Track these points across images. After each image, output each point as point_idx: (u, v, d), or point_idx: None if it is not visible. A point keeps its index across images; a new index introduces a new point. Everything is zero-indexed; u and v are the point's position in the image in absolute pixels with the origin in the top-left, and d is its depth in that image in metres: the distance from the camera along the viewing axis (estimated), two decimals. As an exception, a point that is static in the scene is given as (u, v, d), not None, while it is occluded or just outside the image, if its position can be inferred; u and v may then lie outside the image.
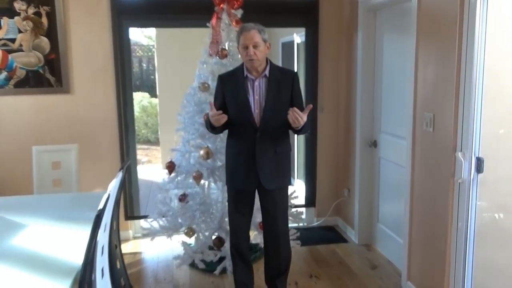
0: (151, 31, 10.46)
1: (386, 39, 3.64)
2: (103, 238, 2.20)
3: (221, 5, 3.43)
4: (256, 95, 2.77)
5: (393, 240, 3.59)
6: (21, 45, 3.75)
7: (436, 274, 2.83)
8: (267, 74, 2.78)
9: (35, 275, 1.93)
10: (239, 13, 3.48)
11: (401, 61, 3.37)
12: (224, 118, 2.66)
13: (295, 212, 3.78)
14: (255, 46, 2.67)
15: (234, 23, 3.44)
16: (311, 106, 2.65)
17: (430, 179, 2.87)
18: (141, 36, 12.95)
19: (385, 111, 3.70)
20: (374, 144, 3.84)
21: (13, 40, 3.74)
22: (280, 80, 2.79)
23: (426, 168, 2.92)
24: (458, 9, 2.48)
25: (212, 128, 2.79)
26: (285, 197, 2.96)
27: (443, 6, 2.64)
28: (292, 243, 3.51)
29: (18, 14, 3.70)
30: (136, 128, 4.38)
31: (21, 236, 2.36)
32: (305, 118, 2.61)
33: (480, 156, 2.47)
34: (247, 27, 2.71)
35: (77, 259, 2.00)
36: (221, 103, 2.82)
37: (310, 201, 4.50)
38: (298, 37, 5.39)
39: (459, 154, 2.53)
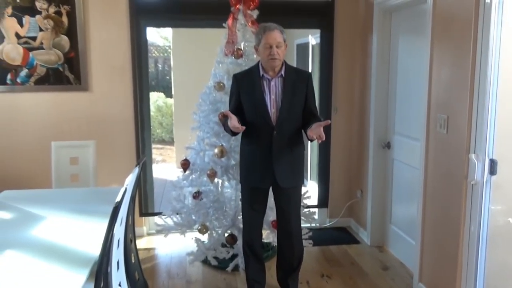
0: (168, 32, 10.56)
1: (401, 41, 3.65)
2: (119, 231, 2.25)
3: (237, 6, 3.48)
4: (272, 95, 2.80)
5: (406, 242, 3.59)
6: (41, 43, 3.85)
7: (448, 276, 2.83)
8: (283, 74, 2.81)
9: (54, 264, 1.99)
10: (255, 14, 3.52)
11: (415, 62, 3.37)
12: (243, 128, 2.69)
13: (307, 212, 3.81)
14: (278, 46, 2.71)
15: (250, 24, 3.49)
16: (328, 121, 2.65)
17: (443, 181, 2.87)
18: (157, 37, 13.09)
19: (399, 112, 3.70)
20: (388, 145, 3.84)
21: (34, 38, 3.83)
22: (296, 80, 2.83)
23: (439, 170, 2.92)
24: (473, 11, 2.49)
25: (232, 133, 2.82)
26: (298, 195, 3.00)
27: (458, 8, 2.65)
28: (304, 242, 3.53)
29: (40, 13, 3.80)
30: (151, 127, 4.45)
31: (40, 228, 2.43)
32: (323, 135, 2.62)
33: (493, 158, 2.47)
34: (271, 27, 2.74)
35: (94, 251, 2.05)
36: (236, 103, 2.86)
37: (323, 202, 4.51)
38: (313, 38, 5.41)
39: (473, 156, 2.53)
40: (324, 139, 2.62)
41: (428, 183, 3.05)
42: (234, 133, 2.82)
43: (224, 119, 2.86)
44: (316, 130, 2.62)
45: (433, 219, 3.01)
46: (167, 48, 12.06)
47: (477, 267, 2.60)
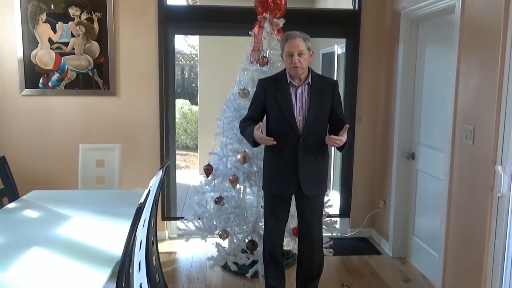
0: (194, 40, 10.72)
1: (428, 51, 3.62)
2: (141, 233, 2.30)
3: (264, 14, 3.52)
4: (299, 102, 2.81)
5: (428, 254, 3.53)
6: (73, 49, 3.97)
7: (472, 290, 2.77)
8: (310, 82, 2.82)
9: (77, 262, 2.04)
10: (281, 22, 3.55)
11: (442, 72, 3.34)
12: (274, 142, 2.70)
13: (329, 221, 3.79)
14: (300, 54, 2.72)
15: (275, 32, 3.52)
16: (347, 125, 2.67)
17: (468, 193, 2.82)
18: (184, 45, 13.31)
19: (424, 123, 3.66)
20: (412, 156, 3.80)
21: (66, 44, 3.96)
22: (322, 88, 2.83)
23: (464, 181, 2.87)
24: (502, 21, 2.46)
25: (254, 144, 2.83)
26: (321, 203, 2.99)
27: (487, 18, 2.62)
28: (324, 251, 3.52)
29: (72, 19, 3.93)
30: (176, 133, 4.54)
31: (66, 227, 2.49)
32: (344, 138, 2.64)
33: (521, 170, 2.42)
34: (293, 35, 2.75)
35: (116, 251, 2.10)
36: (259, 108, 2.88)
37: (345, 212, 4.48)
38: (338, 48, 5.41)
39: (499, 168, 2.49)
40: (341, 143, 2.64)
41: (452, 194, 3.00)
42: (256, 144, 2.82)
43: (243, 127, 2.88)
44: (330, 141, 2.66)
45: (457, 232, 2.95)
46: (194, 56, 12.24)
47: (502, 282, 2.54)
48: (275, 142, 2.69)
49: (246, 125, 2.85)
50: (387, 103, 4.15)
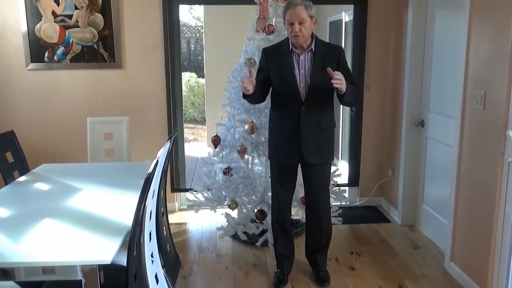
0: (200, 13, 10.57)
1: (438, 15, 3.53)
2: (151, 203, 2.31)
3: (269, -19, 3.44)
4: (301, 69, 2.78)
5: (438, 221, 3.54)
6: (77, 21, 3.93)
7: (481, 256, 2.77)
8: (313, 49, 2.77)
9: (89, 233, 2.06)
10: (286, -11, 3.47)
11: (452, 37, 3.26)
12: (250, 84, 2.60)
13: (337, 190, 3.79)
14: (300, 23, 2.66)
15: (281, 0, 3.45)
16: (329, 69, 2.53)
17: (479, 159, 2.79)
18: (190, 17, 13.15)
19: (434, 89, 3.60)
20: (422, 123, 3.76)
21: (70, 16, 3.91)
22: (326, 55, 2.78)
23: (474, 148, 2.84)
24: (516, -19, 2.38)
25: (244, 96, 2.77)
26: (327, 172, 2.98)
27: (499, -22, 2.54)
28: (333, 220, 3.54)
29: (75, -9, 3.87)
30: (183, 107, 4.52)
31: (76, 199, 2.52)
32: (339, 76, 2.52)
33: (532, 134, 2.38)
34: (293, 3, 2.69)
35: (127, 221, 2.12)
36: (265, 76, 2.85)
37: (354, 181, 4.48)
38: (346, 15, 5.30)
39: (510, 133, 2.45)
40: (342, 82, 2.52)
41: (462, 161, 2.98)
42: (246, 97, 2.74)
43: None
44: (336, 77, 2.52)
45: (467, 198, 2.94)
46: (200, 28, 12.10)
47: (511, 247, 2.54)
48: (253, 81, 2.61)
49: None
50: (396, 70, 4.08)
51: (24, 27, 3.89)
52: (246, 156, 3.56)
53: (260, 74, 2.88)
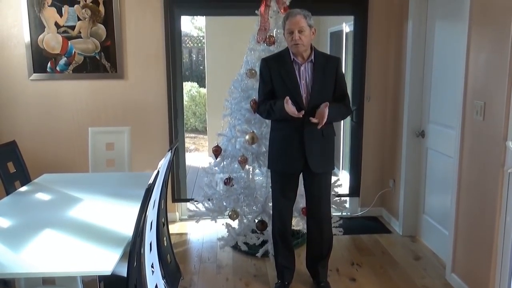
0: (201, 23, 10.64)
1: (438, 26, 3.55)
2: (152, 214, 2.32)
3: (270, -7, 3.47)
4: (302, 80, 2.80)
5: (439, 232, 3.53)
6: (79, 32, 3.96)
7: (482, 267, 2.76)
8: (313, 59, 2.81)
9: (89, 243, 2.07)
10: (287, 0, 3.50)
11: (452, 48, 3.28)
12: (294, 107, 2.70)
13: (338, 201, 3.79)
14: (300, 31, 2.71)
15: (282, 11, 3.47)
16: (327, 103, 2.69)
17: (479, 170, 2.79)
18: (191, 27, 13.22)
19: (435, 100, 3.61)
20: (422, 134, 3.77)
21: (72, 28, 3.95)
22: (325, 65, 2.83)
23: (474, 158, 2.85)
24: (514, -7, 2.40)
25: (276, 117, 2.83)
26: (329, 181, 3.00)
27: (498, -9, 2.56)
28: (334, 230, 3.53)
29: (78, 2, 3.91)
30: (184, 116, 4.54)
31: (77, 209, 2.53)
32: (324, 112, 2.66)
33: (532, 145, 2.39)
34: (293, 13, 2.76)
35: (127, 232, 2.12)
36: (269, 87, 2.87)
37: (354, 191, 4.48)
38: (347, 26, 5.33)
39: (510, 143, 2.45)
40: (322, 123, 2.67)
41: (463, 172, 2.98)
42: (277, 118, 2.83)
43: (269, 106, 2.84)
44: (319, 112, 2.68)
45: (468, 209, 2.94)
46: (201, 38, 12.17)
47: (513, 258, 2.53)
48: (301, 115, 2.68)
49: (273, 103, 2.81)
50: (396, 81, 4.10)
51: (27, 38, 3.92)
52: (247, 167, 3.57)
53: (267, 86, 2.89)
